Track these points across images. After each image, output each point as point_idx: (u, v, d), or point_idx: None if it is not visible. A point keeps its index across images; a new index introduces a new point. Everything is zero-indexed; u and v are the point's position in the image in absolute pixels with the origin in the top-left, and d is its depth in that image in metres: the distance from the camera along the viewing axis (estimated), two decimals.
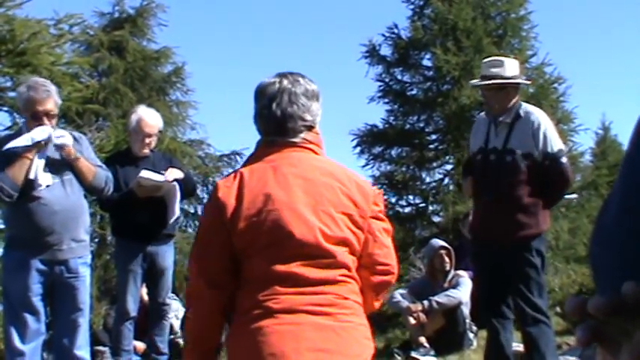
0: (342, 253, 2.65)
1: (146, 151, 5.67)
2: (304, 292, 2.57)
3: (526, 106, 5.06)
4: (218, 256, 2.63)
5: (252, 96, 2.79)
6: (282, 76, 2.76)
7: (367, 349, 2.68)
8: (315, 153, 2.76)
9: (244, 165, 2.77)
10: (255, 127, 2.79)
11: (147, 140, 5.63)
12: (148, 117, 5.68)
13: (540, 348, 4.87)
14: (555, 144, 4.89)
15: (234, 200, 2.62)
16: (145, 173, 5.39)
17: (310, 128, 2.75)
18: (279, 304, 2.55)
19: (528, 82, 5.24)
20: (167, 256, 5.79)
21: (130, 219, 5.46)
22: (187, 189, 5.70)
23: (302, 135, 2.72)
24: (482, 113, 5.38)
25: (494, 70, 5.02)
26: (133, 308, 5.67)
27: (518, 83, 5.12)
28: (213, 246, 2.64)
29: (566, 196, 4.93)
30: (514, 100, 5.02)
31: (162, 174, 5.47)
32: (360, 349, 2.64)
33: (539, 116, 4.96)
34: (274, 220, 2.59)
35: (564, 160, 4.92)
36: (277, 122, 2.70)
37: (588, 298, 0.67)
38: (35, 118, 4.45)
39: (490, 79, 5.00)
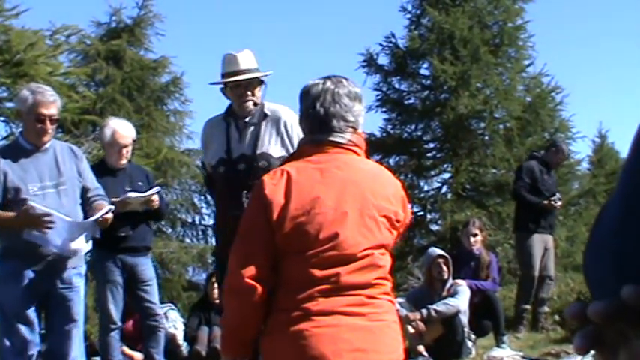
0: (380, 256, 2.73)
1: (123, 162, 5.70)
2: (341, 294, 2.64)
3: (269, 104, 4.43)
4: (261, 253, 2.65)
5: (298, 98, 2.88)
6: (326, 78, 2.86)
7: (400, 345, 2.80)
8: (358, 155, 2.83)
9: (286, 162, 2.83)
10: (300, 127, 2.90)
11: (123, 151, 5.68)
12: (122, 128, 5.72)
13: None
14: None
15: (282, 199, 2.66)
16: (132, 194, 5.46)
17: (354, 130, 2.82)
18: (317, 305, 2.61)
19: (270, 73, 4.40)
20: (147, 267, 5.80)
21: (112, 232, 5.27)
22: (158, 214, 5.91)
23: (347, 136, 2.79)
24: (215, 118, 4.53)
25: (237, 64, 4.31)
26: (117, 317, 5.65)
27: (265, 75, 4.42)
28: (256, 243, 2.66)
29: None
30: (259, 96, 4.39)
31: (144, 190, 5.56)
32: (394, 346, 2.75)
33: (288, 113, 4.36)
34: (320, 224, 2.65)
35: None
36: (320, 121, 2.78)
37: (588, 303, 0.66)
38: (39, 121, 4.45)
39: (236, 75, 4.27)
